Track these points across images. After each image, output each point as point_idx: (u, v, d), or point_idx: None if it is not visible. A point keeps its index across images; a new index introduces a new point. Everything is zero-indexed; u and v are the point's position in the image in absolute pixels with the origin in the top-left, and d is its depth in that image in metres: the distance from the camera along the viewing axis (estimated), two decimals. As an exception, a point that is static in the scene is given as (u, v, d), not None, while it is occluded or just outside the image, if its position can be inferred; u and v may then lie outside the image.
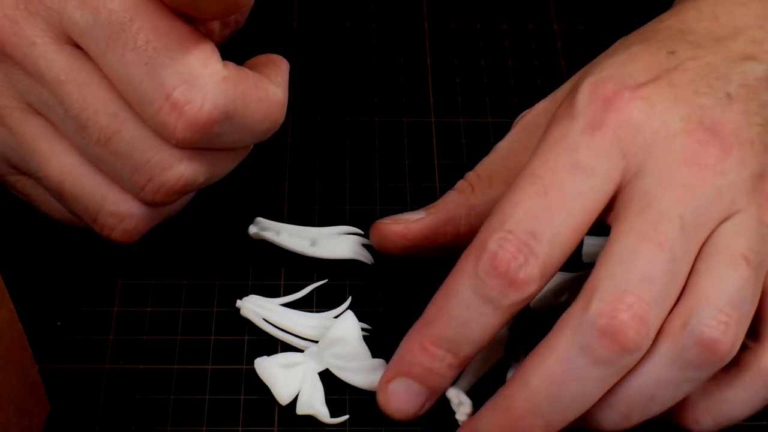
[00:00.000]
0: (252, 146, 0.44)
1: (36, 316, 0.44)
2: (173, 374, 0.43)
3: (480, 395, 0.41)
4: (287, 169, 0.49)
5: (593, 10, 0.57)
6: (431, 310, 0.39)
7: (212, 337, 0.44)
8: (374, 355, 0.43)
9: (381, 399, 0.41)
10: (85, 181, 0.42)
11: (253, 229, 0.46)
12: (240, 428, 0.41)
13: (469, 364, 0.41)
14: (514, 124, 0.46)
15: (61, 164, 0.42)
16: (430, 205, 0.45)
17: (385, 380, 0.41)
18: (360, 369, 0.42)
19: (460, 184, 0.45)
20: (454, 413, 0.41)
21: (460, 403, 0.41)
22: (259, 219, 0.47)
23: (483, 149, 0.51)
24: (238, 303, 0.44)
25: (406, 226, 0.44)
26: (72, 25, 0.39)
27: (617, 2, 0.58)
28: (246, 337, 0.44)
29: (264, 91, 0.41)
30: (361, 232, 0.47)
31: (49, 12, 0.39)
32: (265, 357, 0.42)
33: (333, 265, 0.46)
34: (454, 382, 0.41)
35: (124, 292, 0.45)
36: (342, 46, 0.55)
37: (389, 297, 0.45)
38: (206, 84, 0.39)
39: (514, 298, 0.37)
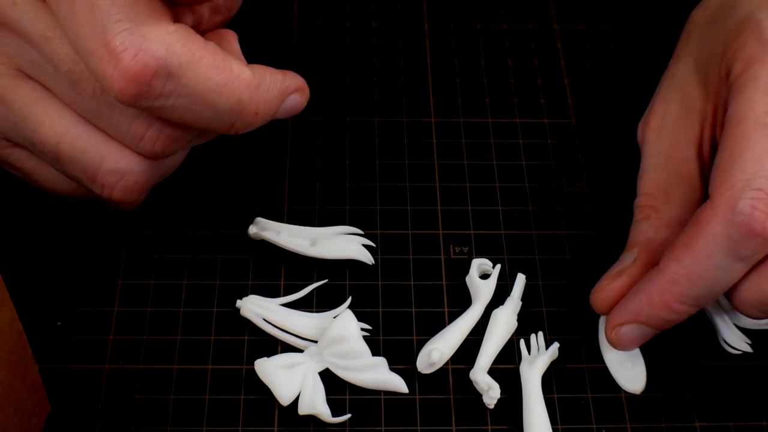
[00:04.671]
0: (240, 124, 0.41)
1: (36, 316, 0.44)
2: (173, 374, 0.43)
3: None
4: (287, 169, 0.49)
5: (593, 10, 0.57)
6: (676, 269, 0.40)
7: (212, 337, 0.44)
8: (374, 354, 0.43)
9: (611, 337, 0.42)
10: (82, 140, 0.41)
11: (253, 229, 0.46)
12: (240, 428, 0.41)
13: (486, 346, 0.43)
14: (643, 131, 0.47)
15: (56, 126, 0.41)
16: (626, 247, 0.44)
17: (618, 323, 0.42)
18: (360, 367, 0.42)
19: (640, 212, 0.45)
20: (480, 398, 0.42)
21: (489, 387, 0.42)
22: (259, 219, 0.47)
23: (483, 149, 0.51)
24: (238, 303, 0.44)
25: (618, 284, 0.43)
26: None
27: (617, 2, 0.58)
28: (246, 337, 0.44)
29: (223, 63, 0.39)
30: (361, 232, 0.47)
31: None
32: (265, 358, 0.42)
33: (333, 265, 0.46)
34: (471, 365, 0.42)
35: (124, 292, 0.45)
36: (342, 46, 0.55)
37: (389, 297, 0.45)
38: (148, 33, 0.37)
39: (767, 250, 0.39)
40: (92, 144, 0.41)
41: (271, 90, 0.41)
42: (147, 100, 0.38)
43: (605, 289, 0.43)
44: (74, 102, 0.41)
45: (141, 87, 0.37)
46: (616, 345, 0.43)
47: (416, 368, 0.43)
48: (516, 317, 0.44)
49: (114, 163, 0.41)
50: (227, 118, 0.40)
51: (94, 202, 0.45)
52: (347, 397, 0.42)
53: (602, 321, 0.44)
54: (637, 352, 0.44)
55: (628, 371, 0.43)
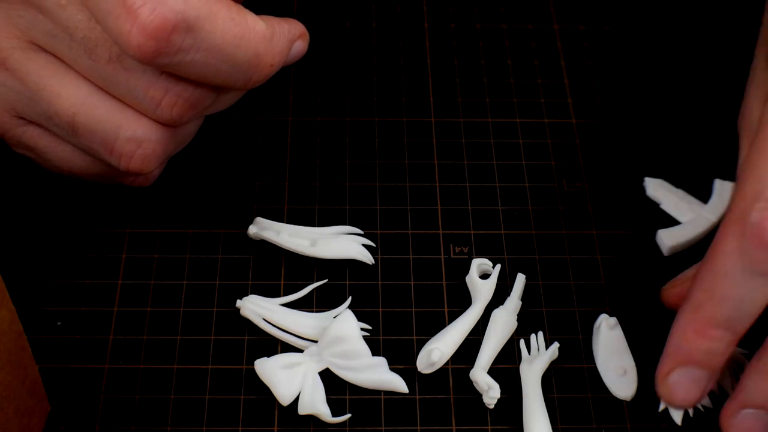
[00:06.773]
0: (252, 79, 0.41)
1: (36, 316, 0.44)
2: (173, 374, 0.43)
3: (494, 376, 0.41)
4: (287, 169, 0.49)
5: (593, 10, 0.57)
6: (698, 294, 0.38)
7: (212, 337, 0.44)
8: (374, 354, 0.43)
9: (663, 392, 0.40)
10: (99, 109, 0.41)
11: (253, 229, 0.46)
12: (240, 428, 0.41)
13: (486, 346, 0.43)
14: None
15: (72, 96, 0.41)
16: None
17: (664, 373, 0.40)
18: (360, 367, 0.42)
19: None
20: (480, 398, 0.42)
21: (489, 387, 0.42)
22: (259, 219, 0.47)
23: (483, 149, 0.51)
24: (238, 303, 0.44)
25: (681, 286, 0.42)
26: None
27: (617, 2, 0.58)
28: (246, 337, 0.44)
29: (239, 15, 0.39)
30: (361, 232, 0.47)
31: None
32: (265, 358, 0.42)
33: (333, 265, 0.46)
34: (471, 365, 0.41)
35: (124, 292, 0.45)
36: (342, 46, 0.55)
37: (389, 297, 0.45)
38: None
39: None
40: (109, 113, 0.41)
41: (282, 40, 0.41)
42: (166, 56, 0.38)
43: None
44: (90, 71, 0.40)
45: (160, 42, 0.37)
46: (671, 400, 0.40)
47: (416, 368, 0.43)
48: (516, 317, 0.44)
49: (131, 131, 0.41)
50: (244, 72, 0.40)
51: (108, 180, 0.44)
52: (347, 397, 0.42)
53: (598, 323, 0.44)
54: (629, 358, 0.44)
55: (620, 377, 0.43)
